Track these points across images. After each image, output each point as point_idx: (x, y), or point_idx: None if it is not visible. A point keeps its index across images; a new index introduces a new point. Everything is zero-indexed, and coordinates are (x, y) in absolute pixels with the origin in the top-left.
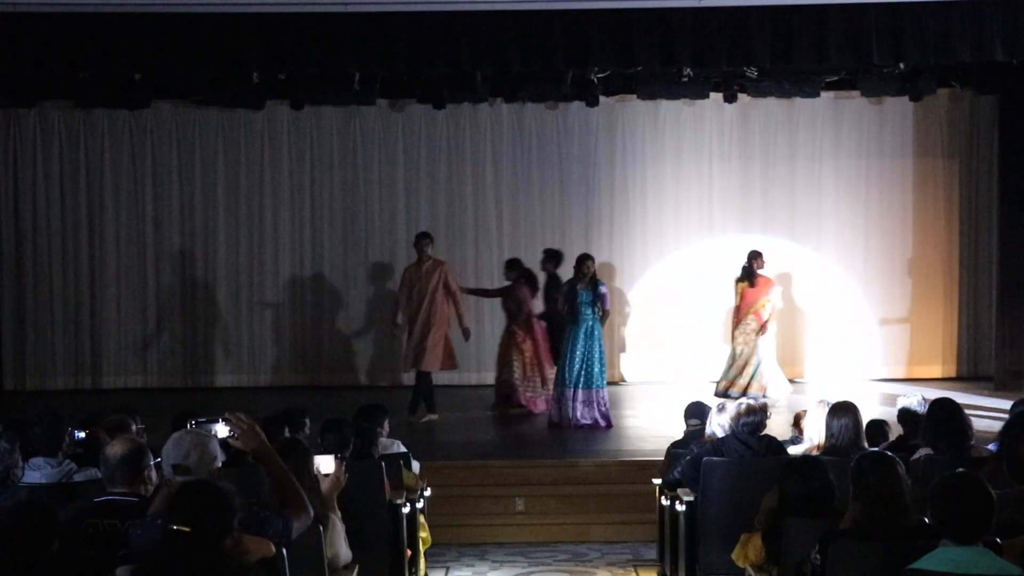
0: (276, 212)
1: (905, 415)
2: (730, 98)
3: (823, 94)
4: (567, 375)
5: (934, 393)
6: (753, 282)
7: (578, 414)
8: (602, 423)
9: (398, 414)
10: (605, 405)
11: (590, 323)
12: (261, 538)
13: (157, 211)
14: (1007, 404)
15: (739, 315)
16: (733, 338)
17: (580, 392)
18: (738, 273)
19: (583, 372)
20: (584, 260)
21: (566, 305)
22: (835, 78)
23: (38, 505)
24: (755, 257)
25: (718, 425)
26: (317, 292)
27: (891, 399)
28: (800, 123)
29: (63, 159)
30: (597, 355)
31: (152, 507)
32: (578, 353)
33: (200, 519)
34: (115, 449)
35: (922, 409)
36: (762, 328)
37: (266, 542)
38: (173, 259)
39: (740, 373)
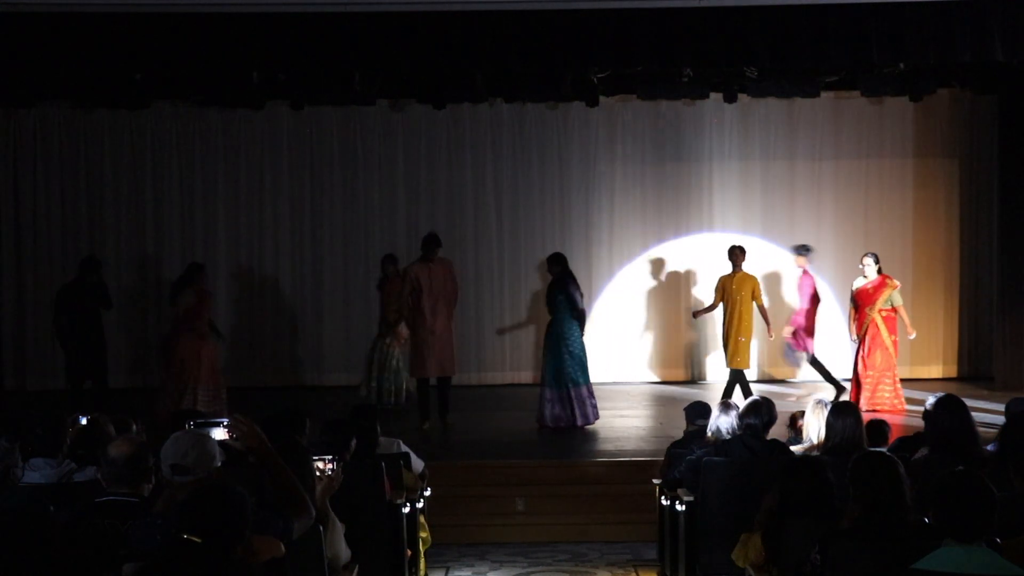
0: (276, 212)
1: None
2: (730, 98)
3: (823, 94)
4: (543, 376)
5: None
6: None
7: (553, 414)
8: (576, 422)
9: (410, 417)
10: (576, 404)
11: (563, 323)
12: (270, 539)
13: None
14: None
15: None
16: (386, 342)
17: (555, 392)
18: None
19: (554, 372)
20: (549, 260)
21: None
22: (835, 78)
23: (32, 507)
24: (393, 262)
25: (726, 425)
26: (317, 291)
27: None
28: (800, 123)
29: (63, 159)
30: (565, 354)
31: (155, 507)
32: (550, 353)
33: (212, 529)
34: (120, 450)
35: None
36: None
37: (276, 542)
38: (173, 259)
39: (389, 378)
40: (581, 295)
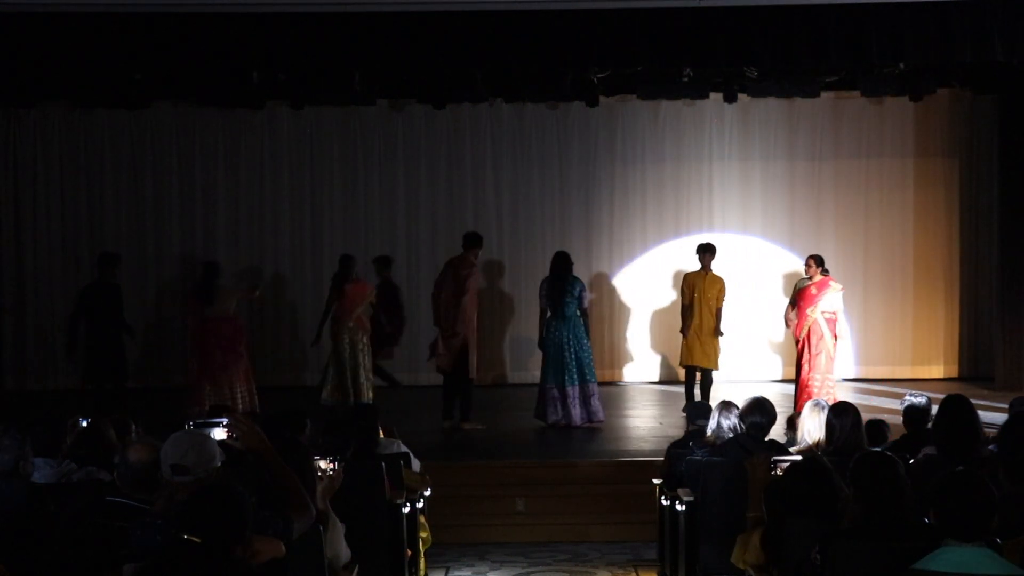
0: (276, 212)
1: (910, 414)
2: (730, 98)
3: (823, 94)
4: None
5: (935, 394)
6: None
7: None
8: (575, 420)
9: (409, 413)
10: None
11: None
12: (271, 539)
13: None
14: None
15: (344, 316)
16: (338, 339)
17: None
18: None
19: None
20: None
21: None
22: (835, 78)
23: (35, 507)
24: (347, 261)
25: (726, 424)
26: (317, 291)
27: (881, 398)
28: (800, 123)
29: (63, 159)
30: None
31: (154, 507)
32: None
33: (212, 529)
34: (140, 455)
35: (922, 406)
36: (366, 331)
37: (276, 543)
38: (173, 259)
39: (353, 378)
40: (556, 296)
